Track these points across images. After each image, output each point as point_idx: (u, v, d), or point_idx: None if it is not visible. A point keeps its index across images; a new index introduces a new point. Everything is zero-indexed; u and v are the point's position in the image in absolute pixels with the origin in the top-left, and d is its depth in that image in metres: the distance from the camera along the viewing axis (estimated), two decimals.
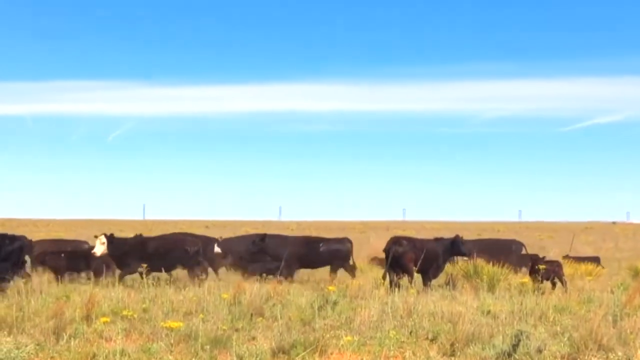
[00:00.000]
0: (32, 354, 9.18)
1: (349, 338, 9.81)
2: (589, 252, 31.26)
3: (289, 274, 18.94)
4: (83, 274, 19.16)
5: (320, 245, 20.61)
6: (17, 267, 16.38)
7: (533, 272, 16.70)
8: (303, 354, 9.23)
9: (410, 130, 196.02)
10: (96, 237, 18.51)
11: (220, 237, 23.69)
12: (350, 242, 21.13)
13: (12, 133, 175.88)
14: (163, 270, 17.88)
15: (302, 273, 20.44)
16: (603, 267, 21.46)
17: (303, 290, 14.98)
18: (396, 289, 14.58)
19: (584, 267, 20.15)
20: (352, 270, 20.00)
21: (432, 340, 10.16)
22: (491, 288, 15.30)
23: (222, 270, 20.82)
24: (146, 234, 23.78)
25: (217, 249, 20.80)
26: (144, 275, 15.40)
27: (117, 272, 18.21)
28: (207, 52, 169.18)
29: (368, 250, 36.35)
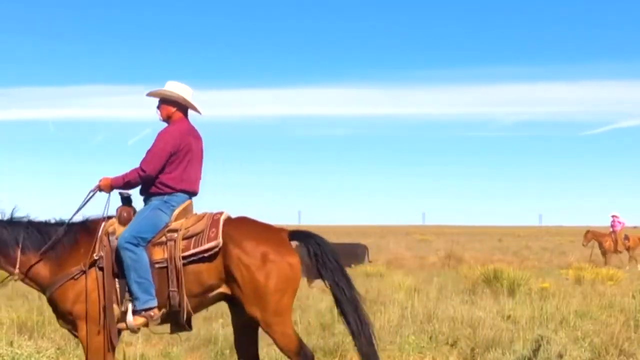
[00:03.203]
0: (52, 358, 9.22)
1: None
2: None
3: None
4: None
5: None
6: None
7: None
8: (322, 358, 9.23)
9: (430, 134, 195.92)
10: None
11: None
12: None
13: (33, 137, 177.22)
14: None
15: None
16: None
17: (322, 295, 14.98)
18: (415, 294, 14.55)
19: (604, 271, 20.05)
20: None
21: (452, 346, 10.13)
22: (511, 293, 15.23)
23: None
24: None
25: None
26: None
27: None
28: (227, 56, 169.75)
29: (387, 254, 36.37)
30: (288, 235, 7.00)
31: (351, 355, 9.49)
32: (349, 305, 7.06)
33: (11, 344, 9.54)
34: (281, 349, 6.86)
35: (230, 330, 10.64)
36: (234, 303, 6.95)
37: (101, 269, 6.77)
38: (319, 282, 19.70)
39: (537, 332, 9.93)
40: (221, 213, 6.98)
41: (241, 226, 6.92)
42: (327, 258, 6.98)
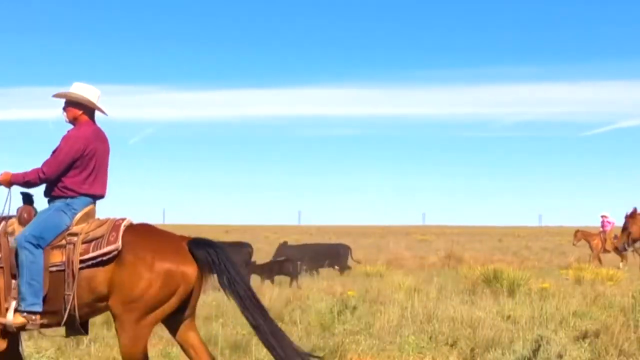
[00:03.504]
0: (52, 358, 9.25)
1: (368, 343, 9.81)
2: (608, 257, 31.17)
3: None
4: None
5: None
6: None
7: None
8: None
9: (430, 134, 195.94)
10: None
11: None
12: None
13: (34, 137, 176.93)
14: None
15: (319, 278, 20.39)
16: None
17: (323, 295, 14.99)
18: (415, 294, 14.55)
19: (604, 271, 20.04)
20: None
21: (451, 346, 10.13)
22: (511, 293, 15.23)
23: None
24: None
25: None
26: None
27: None
28: (228, 56, 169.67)
29: (387, 254, 36.38)
30: (187, 244, 6.92)
31: (351, 355, 9.51)
32: (251, 309, 6.96)
33: None
34: (122, 354, 6.72)
35: (229, 330, 10.67)
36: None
37: (1, 269, 6.74)
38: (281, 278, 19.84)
39: (537, 332, 9.93)
40: (123, 219, 6.94)
41: (140, 234, 6.87)
42: (225, 267, 6.90)
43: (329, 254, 26.25)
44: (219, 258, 6.90)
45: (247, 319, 6.99)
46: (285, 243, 27.73)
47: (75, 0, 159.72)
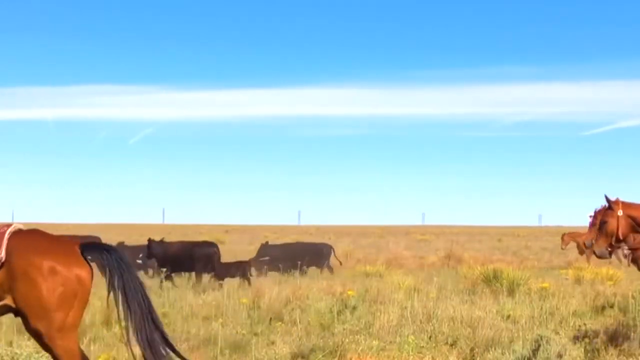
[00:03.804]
0: (51, 358, 9.21)
1: (368, 343, 9.80)
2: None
3: None
4: None
5: None
6: None
7: None
8: (322, 358, 9.22)
9: (430, 134, 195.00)
10: None
11: None
12: None
13: (33, 137, 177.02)
14: None
15: (318, 278, 20.35)
16: None
17: (322, 295, 14.98)
18: (415, 294, 14.54)
19: (604, 271, 20.02)
20: None
21: (451, 345, 10.13)
22: (511, 292, 15.23)
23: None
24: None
25: None
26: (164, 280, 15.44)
27: None
28: (227, 56, 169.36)
29: (387, 254, 36.38)
30: (80, 247, 6.82)
31: (351, 355, 9.50)
32: (138, 316, 6.90)
33: (10, 344, 9.54)
34: None
35: (229, 330, 10.66)
36: (22, 315, 6.71)
37: None
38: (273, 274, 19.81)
39: (537, 332, 9.93)
40: (9, 225, 6.81)
41: (28, 239, 6.75)
42: (118, 271, 6.82)
43: (311, 253, 26.35)
44: (112, 261, 6.83)
45: (126, 326, 6.89)
46: (266, 243, 27.83)
47: (75, 0, 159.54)
